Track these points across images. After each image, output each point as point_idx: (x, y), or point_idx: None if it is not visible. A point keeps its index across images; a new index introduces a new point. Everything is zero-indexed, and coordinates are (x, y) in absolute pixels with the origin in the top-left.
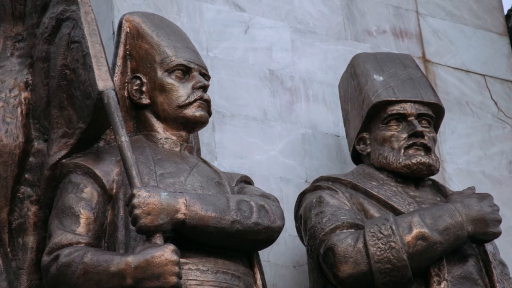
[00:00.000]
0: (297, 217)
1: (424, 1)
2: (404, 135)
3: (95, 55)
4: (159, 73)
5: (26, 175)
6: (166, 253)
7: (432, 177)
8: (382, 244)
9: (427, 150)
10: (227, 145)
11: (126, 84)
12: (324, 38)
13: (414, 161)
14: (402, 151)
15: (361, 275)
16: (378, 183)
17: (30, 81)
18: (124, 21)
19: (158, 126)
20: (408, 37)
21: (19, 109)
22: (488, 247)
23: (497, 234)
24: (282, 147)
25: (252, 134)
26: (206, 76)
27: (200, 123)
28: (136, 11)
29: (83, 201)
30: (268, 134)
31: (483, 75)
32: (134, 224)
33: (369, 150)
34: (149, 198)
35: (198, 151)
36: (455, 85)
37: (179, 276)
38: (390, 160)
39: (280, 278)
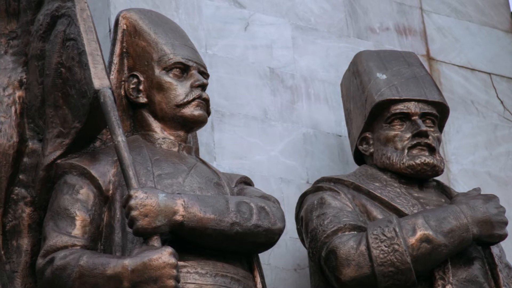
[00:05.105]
0: (298, 219)
1: None
2: (408, 135)
3: (91, 53)
4: (157, 71)
5: (20, 176)
6: (163, 255)
7: (436, 178)
8: (386, 246)
9: (432, 150)
10: (226, 145)
11: (122, 82)
12: (326, 35)
13: (418, 161)
14: (406, 151)
15: (364, 278)
16: (381, 184)
17: (25, 80)
18: (120, 18)
19: (156, 125)
20: (412, 34)
21: (13, 108)
22: (494, 249)
23: (503, 236)
24: (282, 147)
25: (252, 134)
26: (204, 74)
27: (199, 122)
28: (133, 7)
29: (78, 202)
30: (269, 134)
31: (489, 73)
32: (131, 226)
33: (372, 150)
34: (147, 199)
35: (197, 151)
36: (460, 83)
37: (177, 279)
38: (394, 160)
39: (280, 282)
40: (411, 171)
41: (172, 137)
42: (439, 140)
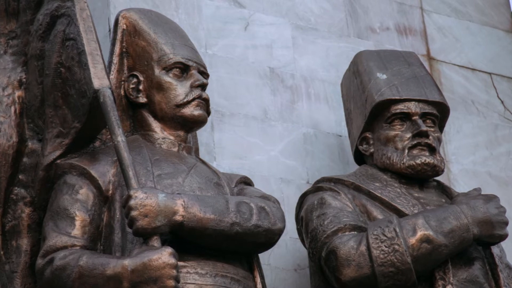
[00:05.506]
0: (298, 219)
1: None
2: (408, 135)
3: (90, 52)
4: (157, 71)
5: (20, 176)
6: (163, 256)
7: (437, 178)
8: (386, 247)
9: (432, 150)
10: (226, 145)
11: (122, 82)
12: (326, 35)
13: (418, 161)
14: (406, 151)
15: (364, 278)
16: (381, 184)
17: (24, 79)
18: (120, 18)
19: (156, 125)
20: (412, 34)
21: (12, 108)
22: (495, 249)
23: (503, 237)
24: (282, 147)
25: (252, 133)
26: (204, 74)
27: (199, 122)
28: (132, 7)
29: (78, 202)
30: (269, 134)
31: (489, 73)
32: (130, 226)
33: (372, 150)
34: (146, 199)
35: (197, 151)
36: (461, 83)
37: (177, 279)
38: (394, 160)
39: (280, 282)
40: (411, 171)
41: (172, 137)
42: (439, 140)
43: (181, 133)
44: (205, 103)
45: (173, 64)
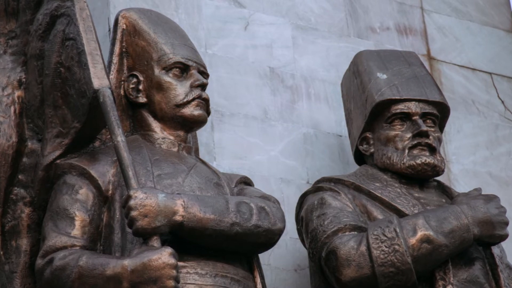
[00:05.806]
0: (298, 219)
1: None
2: (409, 135)
3: (90, 52)
4: (156, 71)
5: (19, 176)
6: (163, 256)
7: (437, 178)
8: (386, 247)
9: (432, 150)
10: (226, 145)
11: (122, 82)
12: (326, 35)
13: (418, 161)
14: (407, 151)
15: (364, 279)
16: (381, 184)
17: (24, 79)
18: (120, 18)
19: (155, 125)
20: (413, 34)
21: (12, 108)
22: (495, 250)
23: (504, 237)
24: (283, 147)
25: (252, 133)
26: (204, 74)
27: (199, 122)
28: (132, 7)
29: (78, 202)
30: (269, 134)
31: (490, 73)
32: (130, 227)
33: (372, 150)
34: (146, 199)
35: (197, 151)
36: (461, 83)
37: (177, 280)
38: (394, 160)
39: (280, 282)
40: (411, 171)
41: (171, 137)
42: (439, 140)
43: (181, 133)
44: (205, 103)
45: (173, 64)
